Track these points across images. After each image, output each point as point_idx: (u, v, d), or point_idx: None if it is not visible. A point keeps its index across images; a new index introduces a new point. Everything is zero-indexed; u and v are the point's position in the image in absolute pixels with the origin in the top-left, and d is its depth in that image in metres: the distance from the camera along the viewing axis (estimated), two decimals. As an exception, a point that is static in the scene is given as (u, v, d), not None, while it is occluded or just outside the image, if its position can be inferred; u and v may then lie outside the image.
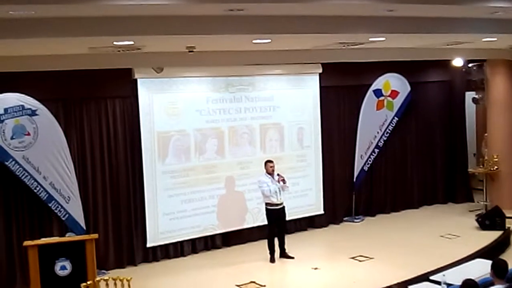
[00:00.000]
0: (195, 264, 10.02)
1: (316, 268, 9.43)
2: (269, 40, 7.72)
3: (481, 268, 7.16)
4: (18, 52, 7.47)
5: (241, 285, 8.84)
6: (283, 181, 9.74)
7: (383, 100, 12.53)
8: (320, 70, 11.54)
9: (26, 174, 8.85)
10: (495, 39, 9.21)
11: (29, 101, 8.81)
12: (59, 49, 7.58)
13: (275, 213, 9.84)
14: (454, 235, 10.88)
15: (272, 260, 9.89)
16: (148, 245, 10.03)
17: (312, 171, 11.76)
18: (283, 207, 9.92)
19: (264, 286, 8.80)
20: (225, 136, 10.73)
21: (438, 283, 6.99)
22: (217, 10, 6.26)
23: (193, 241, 10.48)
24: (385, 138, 12.65)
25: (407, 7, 6.82)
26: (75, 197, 9.25)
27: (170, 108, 10.16)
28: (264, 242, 10.03)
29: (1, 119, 8.62)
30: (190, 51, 7.89)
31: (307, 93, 11.65)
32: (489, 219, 11.13)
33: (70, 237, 8.12)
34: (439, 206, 13.43)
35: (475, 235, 10.78)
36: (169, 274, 9.56)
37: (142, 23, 6.27)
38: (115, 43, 6.85)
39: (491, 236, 10.53)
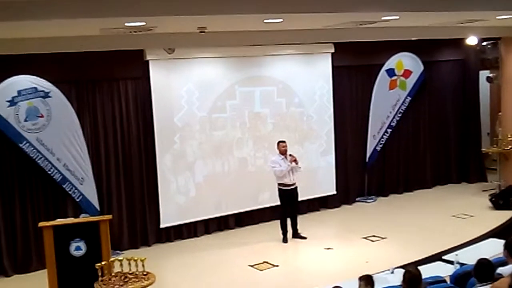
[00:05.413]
0: (208, 244, 10.09)
1: (328, 248, 9.47)
2: (281, 20, 7.65)
3: (494, 248, 7.15)
4: (30, 34, 7.47)
5: (254, 265, 8.89)
6: (295, 161, 9.73)
7: (396, 79, 12.44)
8: (333, 50, 11.46)
9: (40, 156, 8.93)
10: (510, 16, 9.07)
11: (42, 83, 8.86)
12: (70, 31, 7.56)
13: (288, 194, 9.85)
14: (467, 215, 10.85)
15: (285, 240, 9.93)
16: (162, 225, 10.10)
17: (325, 151, 11.73)
18: (296, 187, 9.92)
19: (277, 266, 8.86)
20: (237, 116, 10.72)
21: (451, 262, 7.00)
22: (228, -10, 6.22)
23: (206, 221, 10.53)
24: (398, 118, 12.59)
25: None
26: (89, 179, 9.33)
27: (182, 88, 10.16)
28: (277, 223, 10.07)
29: (15, 101, 8.68)
30: (201, 32, 7.85)
31: (319, 73, 11.59)
32: (502, 199, 11.10)
33: (84, 218, 8.18)
34: (452, 186, 13.39)
35: (489, 215, 10.76)
36: (182, 254, 9.64)
37: (154, 4, 6.23)
38: (126, 24, 6.82)
39: (505, 215, 10.51)
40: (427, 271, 6.10)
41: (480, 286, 5.09)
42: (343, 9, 7.17)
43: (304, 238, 10.00)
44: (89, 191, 9.33)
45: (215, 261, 9.19)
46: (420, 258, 8.31)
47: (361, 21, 8.41)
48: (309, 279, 8.30)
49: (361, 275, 5.60)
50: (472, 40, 12.30)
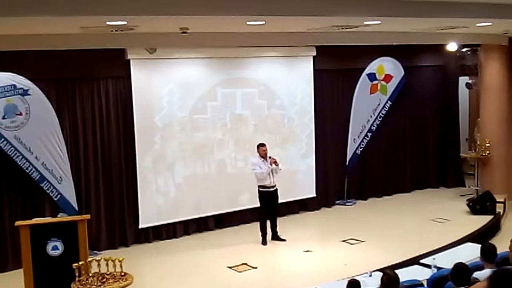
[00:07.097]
0: (187, 245, 10.05)
1: (307, 251, 9.49)
2: (263, 22, 7.67)
3: (471, 252, 7.20)
4: (10, 31, 7.38)
5: (233, 266, 8.88)
6: (275, 163, 9.74)
7: (377, 84, 12.52)
8: (314, 53, 11.50)
9: (18, 154, 8.82)
10: (490, 23, 9.18)
11: (21, 81, 8.76)
12: (51, 28, 7.49)
13: (268, 196, 9.85)
14: (445, 219, 10.95)
15: (264, 242, 9.92)
16: (140, 226, 10.04)
17: (305, 154, 11.76)
18: (276, 189, 9.93)
19: (256, 268, 8.85)
20: (218, 117, 10.70)
21: (429, 266, 7.04)
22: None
23: (185, 222, 10.50)
24: (378, 122, 12.67)
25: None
26: (67, 178, 9.24)
27: (163, 89, 10.11)
28: (257, 225, 10.07)
29: (-7, 98, 8.57)
30: (183, 32, 7.83)
31: (301, 75, 11.62)
32: (480, 204, 11.20)
33: (62, 217, 8.10)
34: (430, 190, 13.50)
35: (466, 220, 10.86)
36: (161, 255, 9.59)
37: (135, 3, 6.20)
38: (107, 23, 6.78)
39: (482, 220, 10.61)
40: (404, 275, 6.13)
41: (456, 290, 5.13)
42: (325, 13, 7.21)
43: (283, 240, 10.01)
44: (68, 190, 9.24)
45: (193, 262, 9.15)
46: (398, 261, 8.35)
47: (343, 25, 8.45)
48: (288, 281, 8.31)
49: (350, 278, 5.63)
50: (452, 46, 12.43)
